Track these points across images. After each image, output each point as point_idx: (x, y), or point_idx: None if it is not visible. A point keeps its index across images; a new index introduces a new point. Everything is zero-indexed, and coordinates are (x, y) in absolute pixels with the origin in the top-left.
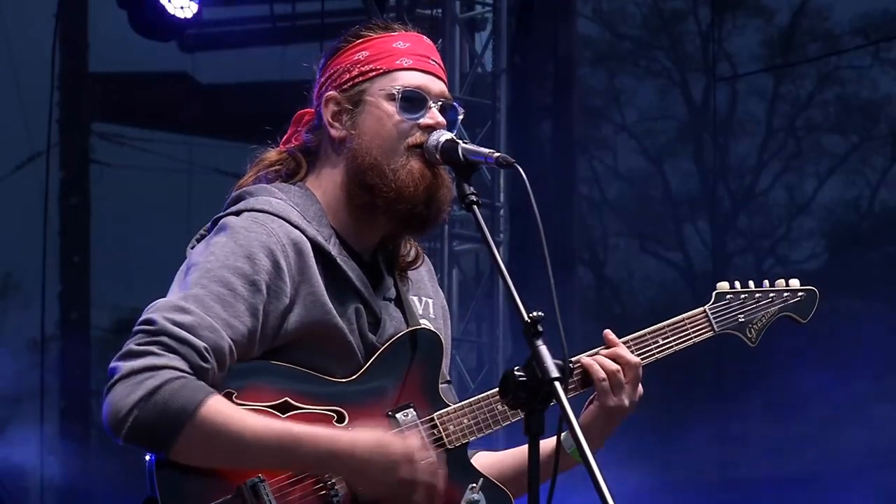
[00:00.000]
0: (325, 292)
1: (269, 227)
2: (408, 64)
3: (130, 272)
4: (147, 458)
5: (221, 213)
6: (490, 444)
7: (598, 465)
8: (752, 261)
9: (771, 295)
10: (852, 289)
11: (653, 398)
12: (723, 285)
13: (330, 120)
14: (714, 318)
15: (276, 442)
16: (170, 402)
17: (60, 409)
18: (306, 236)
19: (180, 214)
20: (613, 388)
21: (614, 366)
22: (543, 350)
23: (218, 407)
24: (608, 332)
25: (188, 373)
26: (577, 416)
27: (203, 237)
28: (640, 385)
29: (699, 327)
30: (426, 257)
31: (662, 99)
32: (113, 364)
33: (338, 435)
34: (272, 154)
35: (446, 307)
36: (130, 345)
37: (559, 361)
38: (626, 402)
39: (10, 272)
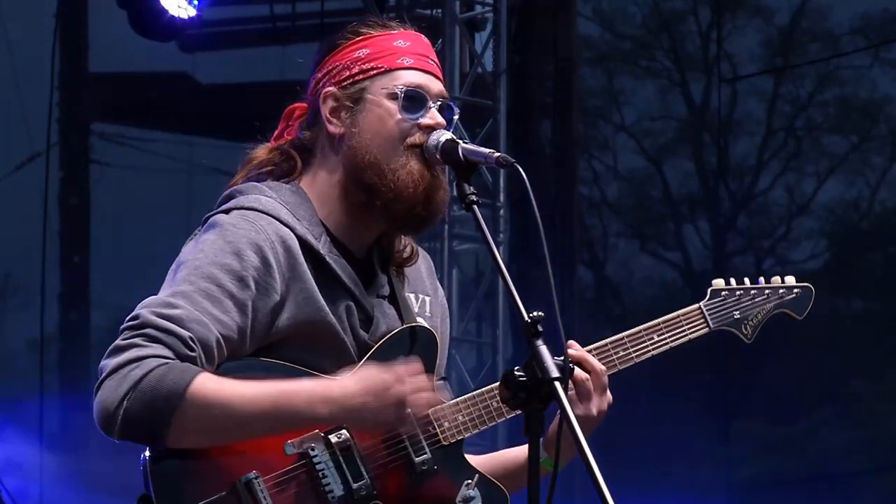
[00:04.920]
0: (316, 290)
1: (258, 225)
2: (409, 63)
3: (130, 272)
4: (142, 455)
5: (211, 212)
6: (491, 445)
7: (597, 463)
8: (752, 261)
9: (766, 291)
10: (852, 289)
11: None
12: (718, 282)
13: (328, 116)
14: (709, 315)
15: (271, 404)
16: (157, 387)
17: (60, 409)
18: (295, 234)
19: (180, 214)
20: (581, 397)
21: (582, 374)
22: (543, 350)
23: (206, 383)
24: (572, 343)
25: (172, 359)
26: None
27: (195, 236)
28: (608, 392)
29: (694, 324)
30: (426, 254)
31: (662, 99)
32: (101, 363)
33: (328, 385)
34: (262, 151)
35: (445, 304)
36: (116, 341)
37: (559, 361)
38: (594, 411)
39: (10, 272)
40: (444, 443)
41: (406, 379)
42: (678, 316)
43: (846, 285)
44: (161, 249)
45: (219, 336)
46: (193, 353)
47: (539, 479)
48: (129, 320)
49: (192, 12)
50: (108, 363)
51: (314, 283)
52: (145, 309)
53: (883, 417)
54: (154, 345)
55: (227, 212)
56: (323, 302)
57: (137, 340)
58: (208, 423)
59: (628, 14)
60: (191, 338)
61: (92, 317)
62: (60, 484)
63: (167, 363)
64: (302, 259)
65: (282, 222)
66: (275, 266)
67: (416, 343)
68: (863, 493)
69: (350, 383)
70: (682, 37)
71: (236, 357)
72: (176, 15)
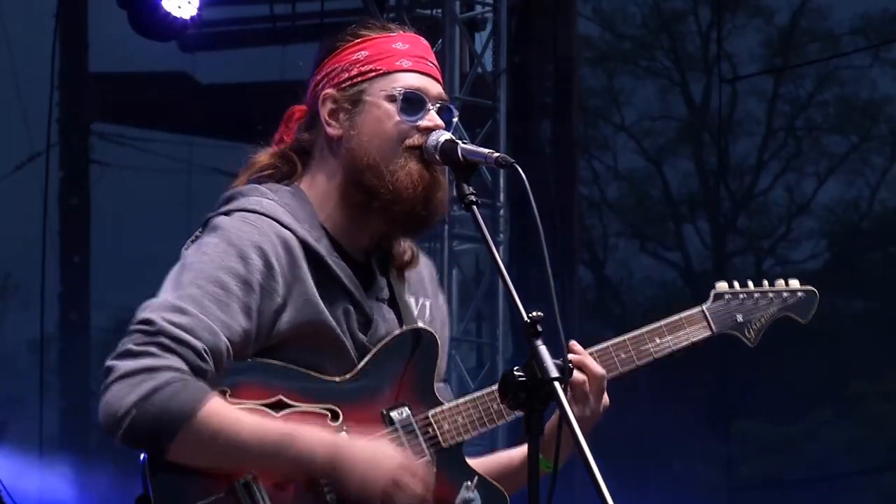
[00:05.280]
0: (316, 292)
1: (260, 227)
2: (407, 65)
3: (130, 272)
4: (141, 456)
5: (212, 214)
6: (490, 445)
7: (595, 460)
8: (752, 261)
9: (770, 295)
10: (852, 289)
11: None
12: (722, 285)
13: (327, 118)
14: (712, 318)
15: (273, 444)
16: (168, 403)
17: (60, 409)
18: (296, 236)
19: (180, 214)
20: (577, 398)
21: (580, 377)
22: (543, 350)
23: (216, 409)
24: (574, 343)
25: (187, 373)
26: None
27: (197, 238)
28: (605, 396)
29: (697, 327)
30: (429, 261)
31: (662, 99)
32: (109, 363)
33: (337, 441)
34: (264, 156)
35: (445, 310)
36: (128, 344)
37: (559, 361)
38: (588, 413)
39: (9, 272)
40: (444, 445)
41: (412, 475)
42: (681, 318)
43: (846, 285)
44: (161, 249)
45: (227, 342)
46: (207, 367)
47: (539, 479)
48: (141, 323)
49: (193, 12)
50: (119, 365)
51: (313, 285)
52: (156, 313)
53: (883, 417)
54: (169, 356)
55: (228, 213)
56: (322, 304)
57: (152, 349)
58: (210, 448)
59: (628, 14)
60: (204, 349)
61: (92, 317)
62: (60, 483)
63: (183, 380)
64: (303, 261)
65: (282, 224)
66: (277, 269)
67: (417, 345)
68: (863, 493)
69: (359, 453)
70: (682, 37)
71: (238, 359)
72: (176, 15)
